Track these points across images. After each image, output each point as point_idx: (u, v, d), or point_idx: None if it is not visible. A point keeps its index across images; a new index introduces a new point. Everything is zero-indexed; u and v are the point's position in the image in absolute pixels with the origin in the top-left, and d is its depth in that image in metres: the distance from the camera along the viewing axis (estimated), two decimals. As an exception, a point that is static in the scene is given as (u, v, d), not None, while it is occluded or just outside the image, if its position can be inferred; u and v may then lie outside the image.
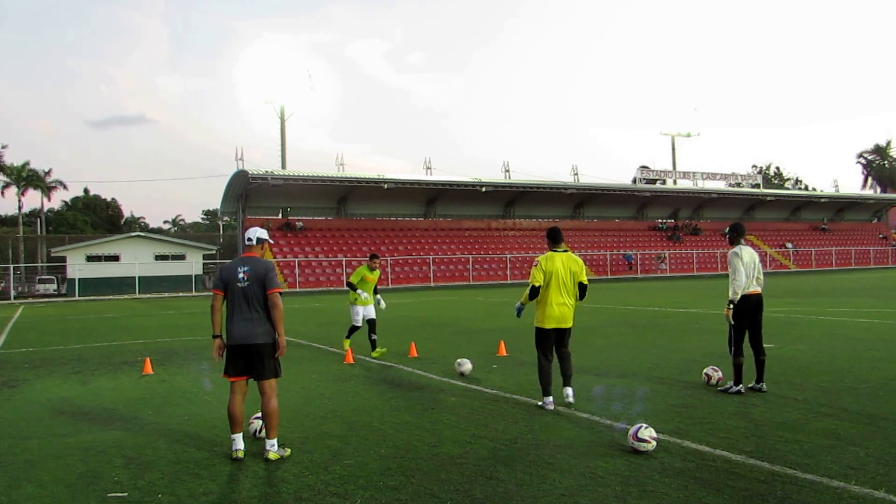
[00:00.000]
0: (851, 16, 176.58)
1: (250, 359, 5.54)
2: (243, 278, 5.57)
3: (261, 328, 5.53)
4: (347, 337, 11.69)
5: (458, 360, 9.23)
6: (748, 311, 7.47)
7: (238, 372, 5.59)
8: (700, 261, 53.78)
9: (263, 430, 5.66)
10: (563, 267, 6.90)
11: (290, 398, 7.70)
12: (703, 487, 4.41)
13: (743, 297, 7.43)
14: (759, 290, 7.56)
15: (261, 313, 5.55)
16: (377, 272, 11.89)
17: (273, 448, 5.41)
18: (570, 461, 5.07)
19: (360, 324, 11.58)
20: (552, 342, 7.02)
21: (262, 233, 5.96)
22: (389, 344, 12.57)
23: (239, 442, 5.48)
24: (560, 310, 6.91)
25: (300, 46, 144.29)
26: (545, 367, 6.96)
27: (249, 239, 5.88)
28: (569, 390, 7.02)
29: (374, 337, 11.49)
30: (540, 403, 6.94)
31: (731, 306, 7.45)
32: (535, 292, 6.90)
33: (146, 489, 4.72)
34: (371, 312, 11.63)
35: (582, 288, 7.02)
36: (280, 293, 5.67)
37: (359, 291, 11.53)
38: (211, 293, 5.84)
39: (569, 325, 7.02)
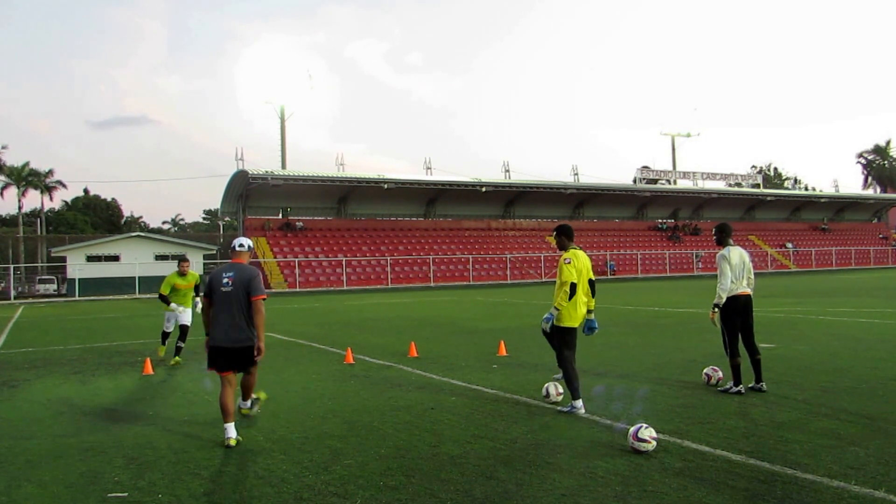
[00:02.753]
0: (851, 16, 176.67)
1: (233, 360, 5.90)
2: (227, 283, 5.83)
3: (243, 333, 5.82)
4: (163, 343, 11.54)
5: (547, 385, 7.27)
6: (737, 311, 7.48)
7: (223, 368, 5.93)
8: (700, 260, 53.74)
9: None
10: (583, 265, 6.70)
11: (290, 398, 7.70)
12: (703, 487, 4.41)
13: (731, 297, 7.45)
14: (748, 291, 7.56)
15: (242, 318, 5.82)
16: (190, 276, 11.21)
17: (245, 406, 6.17)
18: (570, 461, 5.07)
19: (171, 329, 11.36)
20: (574, 339, 6.71)
21: (248, 242, 6.29)
22: (389, 344, 12.57)
23: (231, 430, 5.74)
24: (584, 307, 6.72)
25: (300, 47, 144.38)
26: (574, 368, 6.63)
27: (241, 245, 6.15)
28: (580, 403, 6.62)
29: (182, 345, 10.97)
30: (566, 409, 6.61)
31: (716, 309, 7.47)
32: (574, 289, 6.52)
33: (146, 489, 4.72)
34: (185, 318, 11.18)
35: (592, 284, 6.82)
36: (264, 300, 5.91)
37: (173, 306, 11.07)
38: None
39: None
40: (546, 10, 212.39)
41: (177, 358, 10.82)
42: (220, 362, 5.92)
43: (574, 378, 6.62)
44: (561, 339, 6.69)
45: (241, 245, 6.14)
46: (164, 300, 11.10)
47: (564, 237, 6.87)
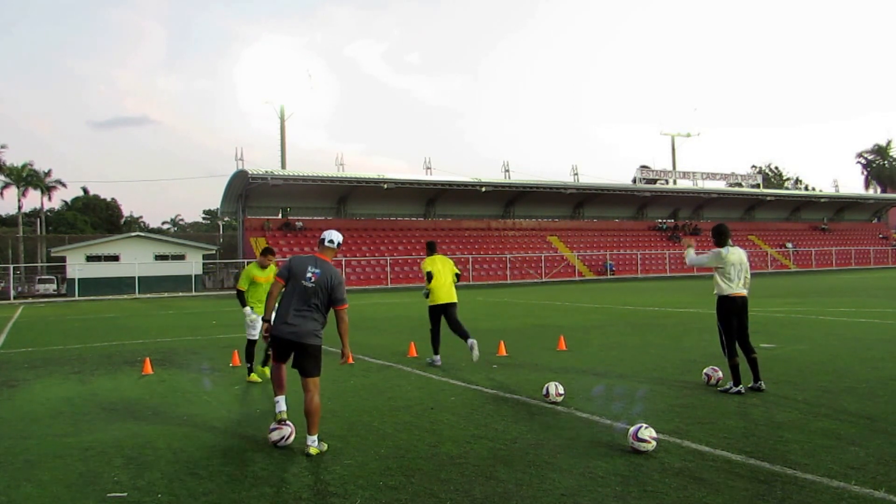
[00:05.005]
0: (851, 16, 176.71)
1: (296, 355, 5.68)
2: (311, 279, 5.63)
3: (311, 328, 5.60)
4: (248, 361, 9.11)
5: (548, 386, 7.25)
6: (734, 312, 7.52)
7: (282, 358, 5.87)
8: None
9: (289, 439, 5.68)
10: (441, 264, 10.15)
11: (290, 398, 7.68)
12: (703, 487, 4.41)
13: (729, 298, 7.50)
14: (744, 292, 7.60)
15: (314, 314, 5.61)
16: (272, 269, 9.04)
17: (314, 444, 5.48)
18: (570, 461, 5.07)
19: (256, 337, 8.93)
20: (441, 315, 10.00)
21: (340, 238, 6.10)
22: (390, 344, 12.56)
23: (282, 404, 5.88)
24: (446, 290, 10.00)
25: (299, 47, 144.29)
26: (436, 333, 10.03)
27: (331, 241, 5.96)
28: (471, 341, 9.41)
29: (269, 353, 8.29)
30: (430, 360, 9.85)
31: (691, 249, 8.04)
32: (430, 276, 9.90)
33: (146, 489, 4.72)
34: None
35: (456, 276, 10.22)
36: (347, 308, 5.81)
37: (245, 310, 8.97)
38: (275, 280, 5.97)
39: (454, 300, 10.04)
40: (546, 9, 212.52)
41: (263, 368, 8.93)
42: (283, 353, 5.76)
43: (434, 339, 10.10)
44: (430, 313, 10.15)
45: (330, 241, 5.91)
46: (241, 299, 8.99)
47: (428, 249, 10.47)
